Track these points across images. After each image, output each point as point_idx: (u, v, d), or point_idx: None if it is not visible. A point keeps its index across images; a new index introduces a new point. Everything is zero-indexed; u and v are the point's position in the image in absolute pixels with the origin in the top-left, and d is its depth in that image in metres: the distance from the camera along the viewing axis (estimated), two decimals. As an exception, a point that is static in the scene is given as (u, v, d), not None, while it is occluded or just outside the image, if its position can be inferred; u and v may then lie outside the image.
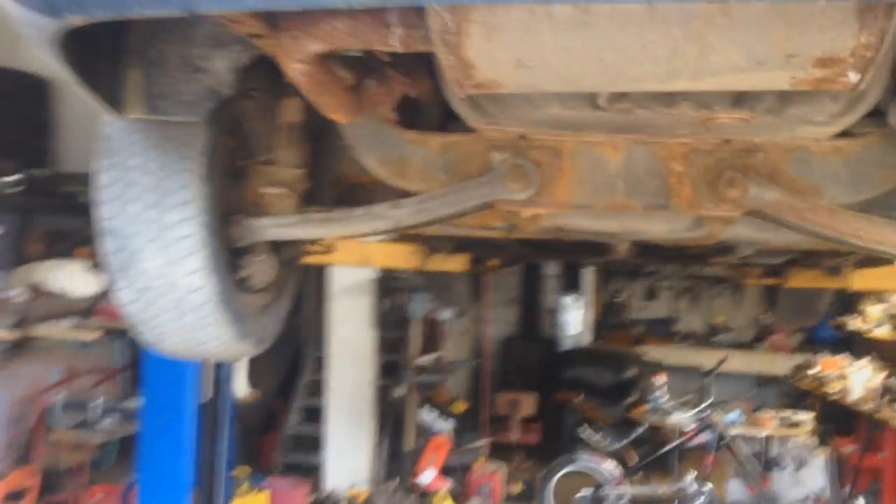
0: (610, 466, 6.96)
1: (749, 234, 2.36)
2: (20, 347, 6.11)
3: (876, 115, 1.80)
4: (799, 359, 9.97)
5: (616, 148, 1.94)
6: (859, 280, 3.93)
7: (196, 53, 1.69)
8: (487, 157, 1.98)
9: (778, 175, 1.88)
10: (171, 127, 1.77)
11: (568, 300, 12.33)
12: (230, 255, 1.99)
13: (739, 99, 1.59)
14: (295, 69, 1.53)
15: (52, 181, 7.12)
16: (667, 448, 7.23)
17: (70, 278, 6.58)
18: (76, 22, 1.27)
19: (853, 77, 1.31)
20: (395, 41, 1.41)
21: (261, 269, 2.09)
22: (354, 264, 5.86)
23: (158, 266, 1.79)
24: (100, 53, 1.59)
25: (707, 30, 1.25)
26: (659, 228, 2.30)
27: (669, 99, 1.61)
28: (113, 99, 1.65)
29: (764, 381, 10.88)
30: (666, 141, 1.90)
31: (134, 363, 6.50)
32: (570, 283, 12.27)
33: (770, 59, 1.30)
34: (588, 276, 12.34)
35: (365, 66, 1.78)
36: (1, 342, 5.93)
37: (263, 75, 1.88)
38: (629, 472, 7.06)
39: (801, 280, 4.11)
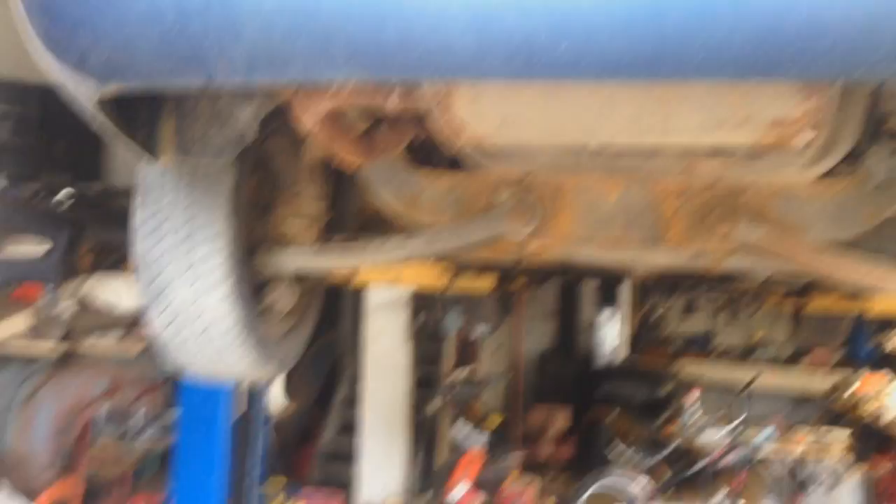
0: (641, 483, 7.01)
1: (752, 263, 2.46)
2: (67, 360, 6.36)
3: (859, 155, 1.91)
4: (838, 376, 9.89)
5: (613, 187, 2.07)
6: (879, 304, 3.98)
7: (224, 103, 1.87)
8: (493, 193, 2.13)
9: (765, 213, 1.99)
10: (201, 168, 1.95)
11: (605, 314, 12.36)
12: (254, 283, 2.16)
13: (716, 149, 1.72)
14: (308, 121, 1.70)
15: (103, 195, 7.39)
16: (698, 466, 7.26)
17: (116, 292, 6.84)
18: (114, 89, 1.44)
19: (807, 136, 1.43)
20: (394, 103, 1.57)
21: (283, 297, 2.25)
22: (385, 283, 6.03)
23: (187, 295, 1.96)
24: (136, 105, 1.77)
25: (668, 95, 1.39)
26: (661, 259, 2.41)
27: (651, 148, 1.75)
28: (148, 145, 1.83)
29: (802, 399, 10.79)
30: (658, 181, 2.02)
31: (176, 375, 6.73)
32: (608, 298, 12.30)
33: (728, 121, 1.43)
34: (625, 290, 12.35)
35: (376, 113, 1.94)
36: (49, 356, 6.18)
37: (288, 115, 2.06)
38: (660, 490, 7.10)
39: (821, 303, 4.17)
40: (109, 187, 7.82)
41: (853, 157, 1.91)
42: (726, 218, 1.97)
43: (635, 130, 1.51)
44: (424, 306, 8.60)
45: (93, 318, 6.49)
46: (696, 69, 1.14)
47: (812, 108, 1.39)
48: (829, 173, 1.95)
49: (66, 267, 7.31)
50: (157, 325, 2.04)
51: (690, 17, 1.09)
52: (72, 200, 6.89)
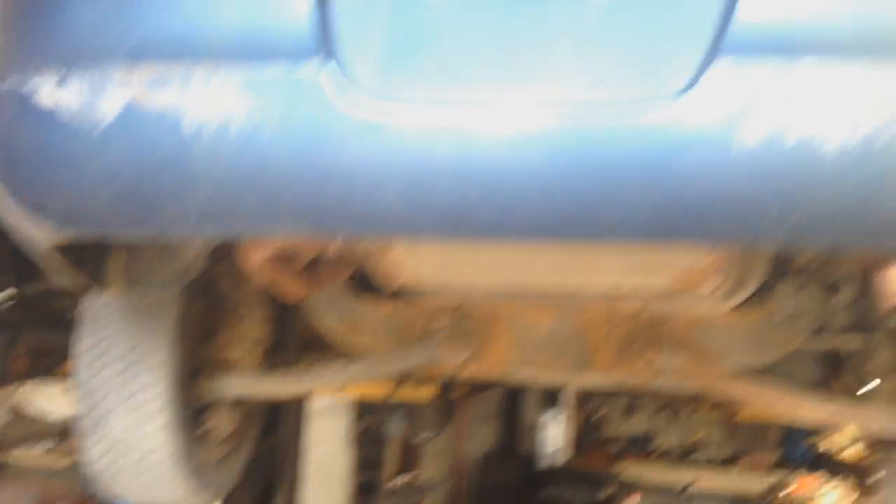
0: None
1: (675, 385, 2.59)
2: (-5, 473, 6.13)
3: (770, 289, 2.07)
4: (774, 478, 9.99)
5: (544, 315, 2.19)
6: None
7: (172, 239, 1.95)
8: (431, 320, 2.23)
9: (685, 342, 2.13)
10: (147, 300, 2.01)
11: (548, 415, 12.37)
12: (194, 409, 2.20)
13: (635, 289, 1.86)
14: (254, 261, 1.79)
15: (44, 296, 7.23)
16: (639, 573, 7.22)
17: (50, 398, 6.66)
18: (69, 235, 1.52)
19: (715, 281, 1.58)
20: (335, 249, 1.68)
21: (223, 422, 2.29)
22: (327, 394, 6.02)
23: (125, 426, 1.99)
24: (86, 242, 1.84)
25: (587, 249, 1.52)
26: (591, 381, 2.53)
27: (576, 286, 1.88)
28: (96, 278, 1.89)
29: (740, 501, 10.84)
30: (586, 310, 2.15)
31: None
32: (551, 399, 12.33)
33: (643, 268, 1.57)
34: (568, 391, 12.39)
35: (319, 250, 2.04)
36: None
37: (235, 247, 2.14)
38: None
39: (749, 412, 4.31)
40: (51, 288, 7.70)
41: (765, 290, 2.07)
42: (649, 346, 2.10)
43: (560, 274, 1.64)
44: (366, 411, 8.53)
45: (24, 428, 6.30)
46: (606, 235, 1.27)
47: (717, 258, 1.54)
48: (743, 305, 2.10)
49: (1, 373, 7.10)
50: (93, 454, 2.05)
51: (601, 193, 1.23)
52: (12, 302, 6.76)
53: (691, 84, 1.21)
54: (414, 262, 1.67)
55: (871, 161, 1.18)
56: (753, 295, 2.01)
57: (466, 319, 2.20)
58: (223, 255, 2.20)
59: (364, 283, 2.35)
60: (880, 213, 1.20)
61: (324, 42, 1.30)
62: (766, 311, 2.09)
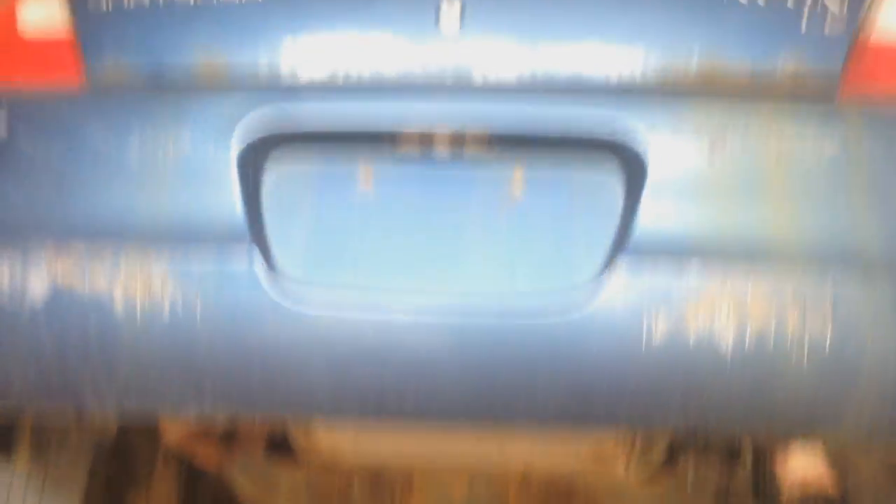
0: None
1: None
2: None
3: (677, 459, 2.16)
4: None
5: (460, 480, 2.22)
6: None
7: (88, 414, 1.91)
8: (348, 483, 2.24)
9: None
10: (55, 468, 1.95)
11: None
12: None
13: (547, 466, 1.93)
14: (172, 436, 1.79)
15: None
16: None
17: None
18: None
19: (622, 463, 1.66)
20: (259, 423, 1.70)
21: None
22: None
23: None
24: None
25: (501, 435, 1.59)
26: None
27: (491, 464, 1.93)
28: (2, 451, 1.83)
29: None
30: (502, 474, 2.19)
31: None
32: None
33: (554, 451, 1.65)
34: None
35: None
36: None
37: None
38: None
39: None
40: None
41: (671, 459, 2.15)
42: None
43: (475, 455, 1.72)
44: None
45: None
46: (522, 420, 1.34)
47: (623, 441, 1.62)
48: (651, 472, 2.17)
49: None
50: None
51: (515, 392, 1.31)
52: None
53: (594, 279, 1.31)
54: (332, 440, 1.71)
55: (762, 358, 1.28)
56: (660, 463, 2.09)
57: (384, 484, 2.21)
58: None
59: (280, 447, 2.34)
60: (771, 405, 1.30)
61: (252, 233, 1.37)
62: (672, 478, 2.17)
